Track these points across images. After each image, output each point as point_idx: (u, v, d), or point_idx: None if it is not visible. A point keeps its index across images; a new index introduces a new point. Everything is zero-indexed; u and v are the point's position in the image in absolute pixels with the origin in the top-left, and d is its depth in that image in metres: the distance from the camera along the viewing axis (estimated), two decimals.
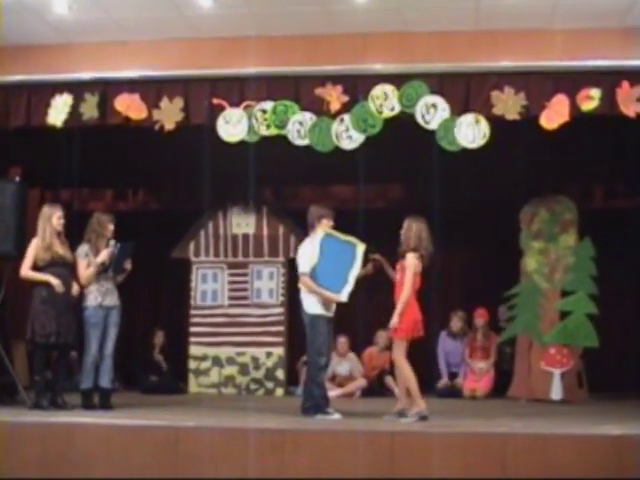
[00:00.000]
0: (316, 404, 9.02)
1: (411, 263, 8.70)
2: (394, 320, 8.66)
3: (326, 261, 9.04)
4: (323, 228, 9.17)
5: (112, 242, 9.37)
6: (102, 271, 9.35)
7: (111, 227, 9.49)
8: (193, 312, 12.26)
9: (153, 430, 8.16)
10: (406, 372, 8.74)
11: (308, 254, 9.13)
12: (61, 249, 9.24)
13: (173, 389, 11.85)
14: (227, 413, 9.45)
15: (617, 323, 12.18)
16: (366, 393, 11.80)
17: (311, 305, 9.09)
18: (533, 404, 10.69)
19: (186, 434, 8.03)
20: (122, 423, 8.37)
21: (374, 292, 12.20)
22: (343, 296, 9.08)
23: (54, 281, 9.09)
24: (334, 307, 9.23)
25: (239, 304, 12.16)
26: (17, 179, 10.30)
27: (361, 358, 12.12)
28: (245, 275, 12.20)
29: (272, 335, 11.88)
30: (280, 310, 11.91)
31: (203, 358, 12.09)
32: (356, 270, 9.10)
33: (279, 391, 11.85)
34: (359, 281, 9.12)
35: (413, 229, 8.80)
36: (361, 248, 9.17)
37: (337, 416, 8.91)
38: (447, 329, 12.02)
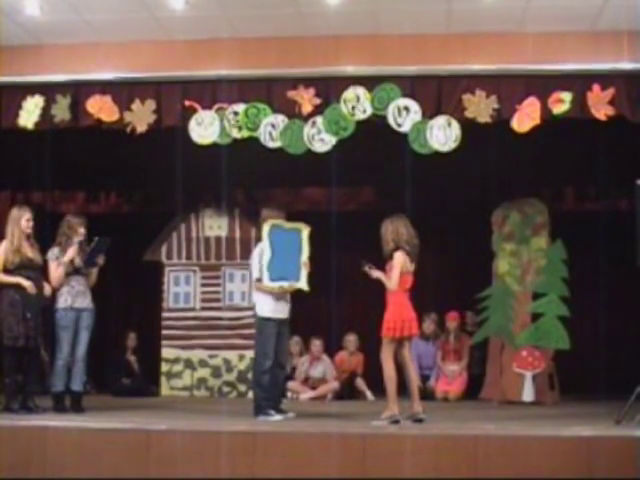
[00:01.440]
0: (257, 405, 9.09)
1: (397, 261, 8.64)
2: (375, 272, 8.70)
3: (278, 254, 9.14)
4: (268, 223, 9.23)
5: (76, 239, 9.31)
6: (73, 272, 9.31)
7: (82, 230, 9.42)
8: (165, 315, 12.23)
9: (125, 433, 8.15)
10: (389, 373, 8.61)
11: (257, 259, 9.24)
12: (30, 252, 9.18)
13: (145, 392, 11.83)
14: (199, 416, 9.46)
15: (588, 325, 12.26)
16: (338, 396, 11.80)
17: (262, 309, 9.19)
18: (505, 406, 10.72)
19: (158, 437, 8.03)
20: (94, 426, 8.35)
21: (346, 296, 12.25)
22: (302, 284, 9.13)
23: (25, 283, 9.04)
24: (287, 309, 9.29)
25: (211, 307, 12.15)
26: None
27: (333, 362, 12.12)
28: (217, 278, 12.19)
29: (244, 338, 11.84)
30: (252, 313, 11.80)
31: (175, 361, 12.07)
32: (305, 254, 9.15)
33: (251, 394, 11.80)
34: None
35: (389, 229, 8.76)
36: (306, 231, 9.24)
37: (278, 417, 8.98)
38: (419, 332, 12.02)
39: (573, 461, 7.54)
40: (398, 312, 8.65)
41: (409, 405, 8.72)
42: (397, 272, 8.63)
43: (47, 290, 9.25)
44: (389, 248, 8.73)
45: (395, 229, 8.75)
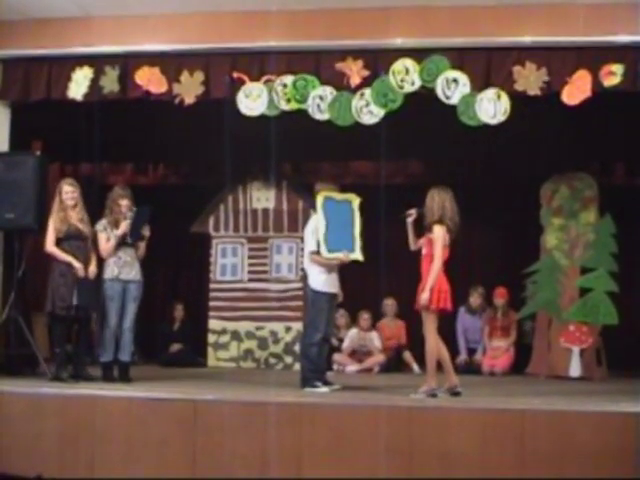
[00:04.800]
0: (304, 377, 9.13)
1: (439, 235, 8.54)
2: (425, 295, 8.44)
3: (332, 225, 9.13)
4: (321, 194, 9.23)
5: (129, 214, 9.37)
6: (121, 243, 9.37)
7: (124, 202, 9.43)
8: (212, 286, 12.26)
9: (172, 403, 8.22)
10: (431, 346, 8.54)
11: (310, 231, 9.28)
12: (79, 223, 9.28)
13: (192, 362, 11.90)
14: (246, 386, 9.50)
15: (636, 301, 12.13)
16: (384, 368, 11.82)
17: (315, 281, 9.18)
18: (552, 381, 10.67)
19: (204, 407, 8.09)
20: (141, 396, 8.42)
21: (393, 269, 12.20)
22: (357, 254, 9.15)
23: (76, 265, 9.14)
24: (338, 283, 9.31)
25: (258, 279, 12.16)
26: (37, 153, 10.30)
27: (378, 332, 12.13)
28: (264, 250, 12.20)
29: (291, 310, 11.90)
30: (299, 285, 11.86)
31: (222, 332, 12.11)
32: (358, 225, 9.17)
33: (298, 366, 11.84)
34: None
35: (435, 200, 8.63)
36: (356, 202, 9.26)
37: (325, 389, 8.98)
38: (466, 305, 12.00)
39: (620, 437, 7.50)
40: (436, 284, 8.59)
41: (445, 378, 8.70)
42: (440, 247, 8.56)
43: (92, 267, 9.34)
44: (432, 219, 8.66)
45: (442, 202, 8.64)
